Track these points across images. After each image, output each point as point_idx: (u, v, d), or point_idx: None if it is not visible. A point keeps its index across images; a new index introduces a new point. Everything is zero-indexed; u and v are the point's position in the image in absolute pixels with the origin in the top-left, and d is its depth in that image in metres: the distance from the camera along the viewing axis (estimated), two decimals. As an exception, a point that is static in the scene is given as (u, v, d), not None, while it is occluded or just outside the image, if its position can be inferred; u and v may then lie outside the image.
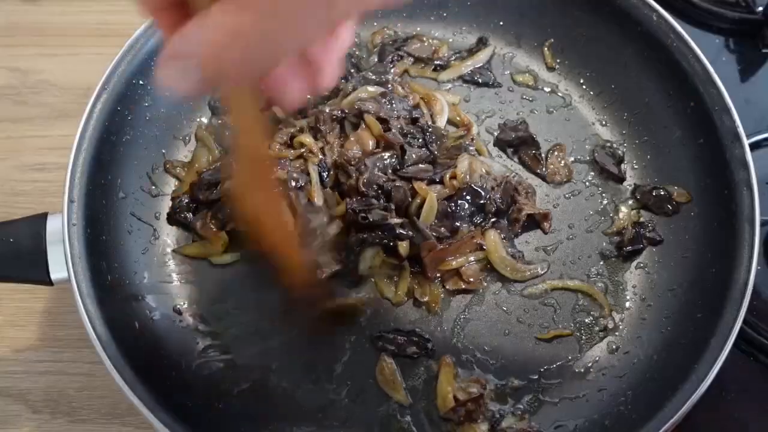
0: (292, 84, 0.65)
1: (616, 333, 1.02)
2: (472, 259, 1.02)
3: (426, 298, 1.02)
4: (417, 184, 1.03)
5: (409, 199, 1.02)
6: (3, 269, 0.95)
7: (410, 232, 1.00)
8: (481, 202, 1.04)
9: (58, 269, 0.94)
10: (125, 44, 1.07)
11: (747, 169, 0.99)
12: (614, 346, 1.01)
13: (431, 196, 1.01)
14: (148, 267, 1.05)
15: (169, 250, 1.07)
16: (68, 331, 1.12)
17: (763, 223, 0.98)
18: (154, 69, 0.59)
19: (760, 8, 1.31)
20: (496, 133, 1.15)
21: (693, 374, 0.90)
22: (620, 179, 1.11)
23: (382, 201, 1.01)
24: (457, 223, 1.03)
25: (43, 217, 0.96)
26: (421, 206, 1.02)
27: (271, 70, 0.62)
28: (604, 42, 1.16)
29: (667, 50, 1.10)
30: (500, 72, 1.21)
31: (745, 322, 0.93)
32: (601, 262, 1.06)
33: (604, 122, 1.17)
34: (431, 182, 1.05)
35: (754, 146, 1.11)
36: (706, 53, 1.07)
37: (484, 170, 1.06)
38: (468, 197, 1.04)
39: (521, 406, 0.96)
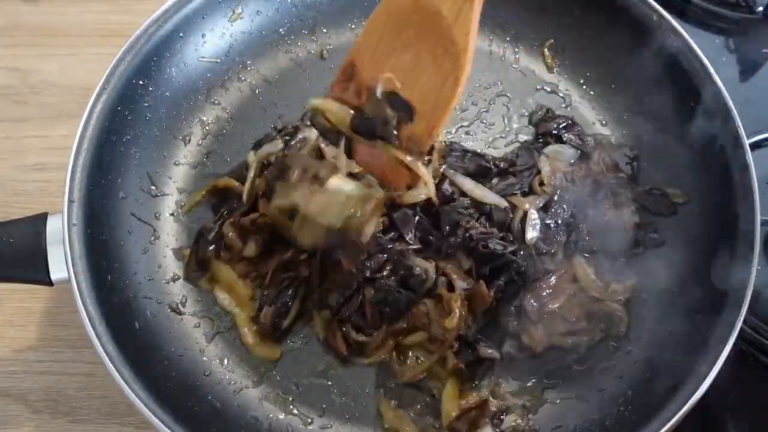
0: None
1: (617, 333, 1.02)
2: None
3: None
4: (514, 199, 1.03)
5: (510, 216, 1.02)
6: (3, 269, 0.95)
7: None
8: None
9: (58, 269, 0.94)
10: (125, 44, 1.07)
11: (747, 169, 0.99)
12: (614, 346, 1.01)
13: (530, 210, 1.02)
14: (148, 267, 1.05)
15: (168, 250, 1.07)
16: (68, 331, 1.12)
17: (763, 223, 0.98)
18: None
19: (760, 8, 1.31)
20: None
21: (693, 374, 0.90)
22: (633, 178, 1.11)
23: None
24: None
25: (43, 217, 0.96)
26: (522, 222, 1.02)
27: None
28: (604, 42, 1.17)
29: (667, 50, 1.10)
30: (500, 72, 1.21)
31: (745, 322, 0.93)
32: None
33: (604, 122, 1.17)
34: (524, 194, 1.06)
35: (754, 146, 1.11)
36: (706, 53, 1.07)
37: (562, 166, 1.07)
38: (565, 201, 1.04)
39: (522, 404, 0.97)
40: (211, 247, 1.04)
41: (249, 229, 1.02)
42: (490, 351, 0.97)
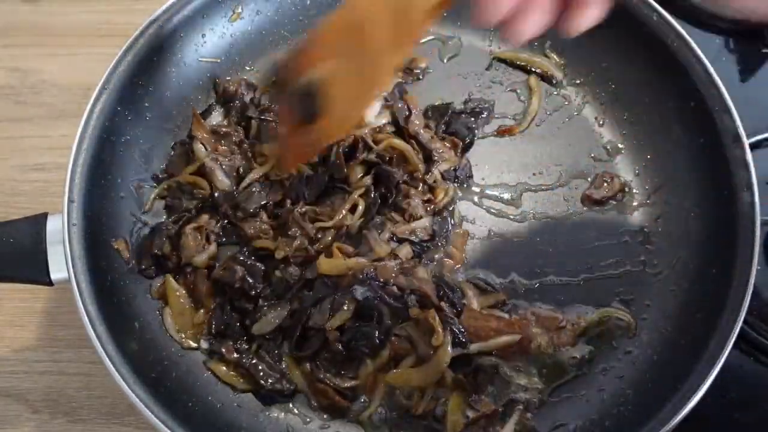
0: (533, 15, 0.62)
1: (616, 333, 1.02)
2: None
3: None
4: None
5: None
6: (3, 269, 0.95)
7: None
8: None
9: (58, 269, 0.94)
10: (125, 44, 1.07)
11: (747, 169, 0.99)
12: (614, 346, 1.01)
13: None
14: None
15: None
16: (68, 331, 1.12)
17: (763, 223, 0.98)
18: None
19: (760, 8, 1.31)
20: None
21: (693, 374, 0.90)
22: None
23: None
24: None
25: (43, 217, 0.96)
26: None
27: None
28: (604, 42, 1.16)
29: (667, 50, 1.10)
30: (500, 72, 1.21)
31: (745, 322, 0.93)
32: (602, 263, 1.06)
33: (601, 123, 1.17)
34: None
35: (754, 146, 1.11)
36: (706, 53, 1.07)
37: None
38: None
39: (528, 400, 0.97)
40: (165, 242, 1.03)
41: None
42: (488, 359, 0.96)
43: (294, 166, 1.03)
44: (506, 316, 0.99)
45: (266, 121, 1.11)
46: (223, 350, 0.98)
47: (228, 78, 1.17)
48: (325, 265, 0.98)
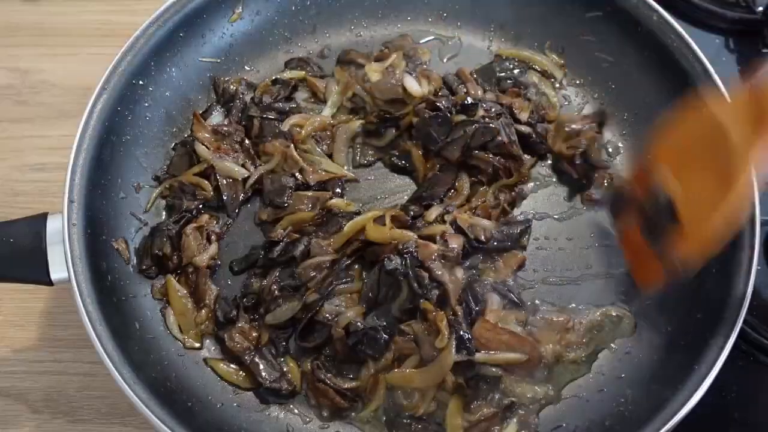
0: None
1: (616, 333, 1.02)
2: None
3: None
4: None
5: None
6: (3, 269, 0.95)
7: None
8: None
9: (58, 269, 0.94)
10: (125, 44, 1.07)
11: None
12: (614, 347, 1.01)
13: None
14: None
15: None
16: (68, 331, 1.12)
17: (763, 223, 0.98)
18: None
19: (760, 8, 1.31)
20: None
21: (693, 374, 0.90)
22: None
23: None
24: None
25: (43, 217, 0.96)
26: None
27: None
28: (604, 42, 1.16)
29: (667, 50, 1.10)
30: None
31: (745, 322, 0.93)
32: (602, 263, 1.06)
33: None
34: None
35: (754, 146, 1.11)
36: (706, 53, 1.07)
37: None
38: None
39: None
40: (167, 243, 1.03)
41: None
42: (493, 369, 0.95)
43: (656, 282, 0.98)
44: (519, 330, 0.98)
45: (268, 119, 1.11)
46: (226, 337, 0.98)
47: (227, 78, 1.17)
48: (371, 231, 0.98)
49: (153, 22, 1.09)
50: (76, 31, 1.38)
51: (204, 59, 1.17)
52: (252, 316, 1.01)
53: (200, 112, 1.14)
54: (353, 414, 0.97)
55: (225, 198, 1.07)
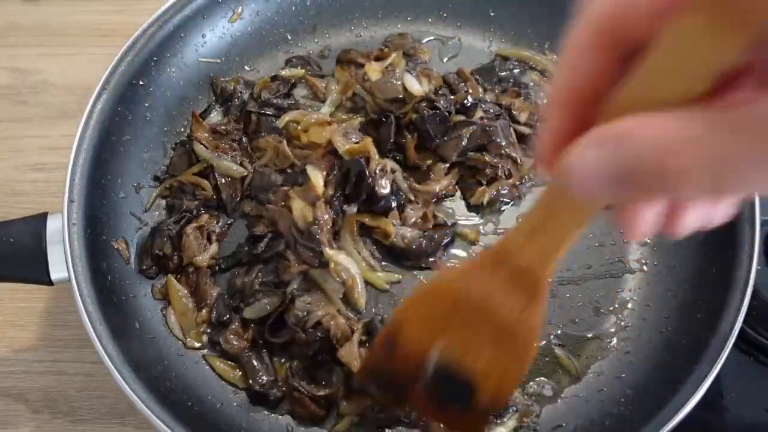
0: (647, 216, 0.56)
1: (617, 333, 1.02)
2: None
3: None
4: None
5: None
6: (3, 269, 0.95)
7: None
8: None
9: (58, 269, 0.94)
10: (125, 44, 1.07)
11: (747, 169, 0.99)
12: (614, 347, 1.01)
13: None
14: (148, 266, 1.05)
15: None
16: (68, 331, 1.12)
17: (763, 223, 0.98)
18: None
19: (760, 8, 1.31)
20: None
21: (693, 374, 0.90)
22: None
23: None
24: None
25: (43, 217, 0.96)
26: None
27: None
28: (604, 42, 1.16)
29: (667, 50, 1.09)
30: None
31: (745, 322, 0.93)
32: (602, 263, 1.06)
33: (604, 122, 1.17)
34: None
35: (754, 146, 1.11)
36: (706, 53, 1.07)
37: None
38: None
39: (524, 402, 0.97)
40: (167, 243, 1.03)
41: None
42: None
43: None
44: None
45: (266, 115, 1.12)
46: (221, 340, 0.98)
47: (225, 78, 1.17)
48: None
49: (153, 22, 1.09)
50: (76, 31, 1.38)
51: (204, 59, 1.17)
52: (242, 316, 1.01)
53: (199, 112, 1.14)
54: (329, 426, 0.96)
55: (224, 197, 1.07)
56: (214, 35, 1.17)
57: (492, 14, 1.23)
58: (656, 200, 0.54)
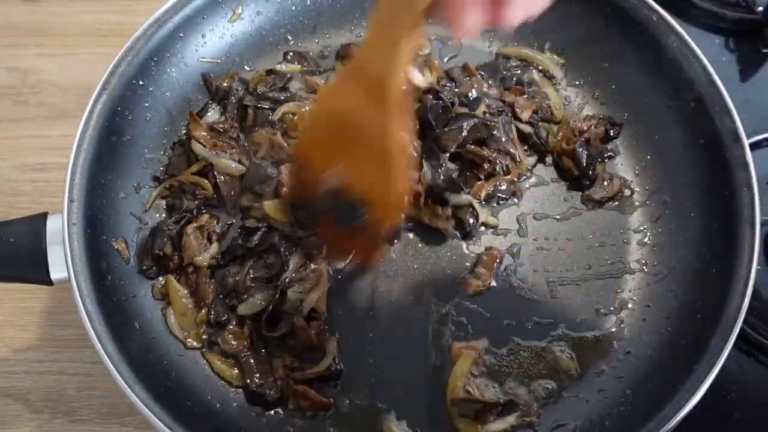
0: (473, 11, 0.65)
1: (617, 333, 1.02)
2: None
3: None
4: None
5: None
6: (3, 269, 0.95)
7: None
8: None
9: (58, 269, 0.94)
10: (125, 44, 1.07)
11: (747, 169, 0.99)
12: (614, 347, 1.01)
13: None
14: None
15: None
16: (68, 331, 1.12)
17: (763, 223, 0.98)
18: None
19: (760, 8, 1.31)
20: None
21: (693, 374, 0.90)
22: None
23: None
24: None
25: (43, 217, 0.96)
26: None
27: None
28: (604, 42, 1.16)
29: (667, 50, 1.10)
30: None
31: (745, 322, 0.93)
32: (602, 263, 1.06)
33: (604, 122, 1.17)
34: None
35: (754, 146, 1.11)
36: (706, 53, 1.07)
37: None
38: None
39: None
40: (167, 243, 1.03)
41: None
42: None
43: (378, 254, 1.00)
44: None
45: (262, 108, 1.12)
46: (219, 341, 0.98)
47: (220, 76, 1.17)
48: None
49: (153, 22, 1.09)
50: (76, 31, 1.38)
51: (204, 59, 1.17)
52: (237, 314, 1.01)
53: (197, 111, 1.14)
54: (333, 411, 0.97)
55: (224, 195, 1.07)
56: (214, 35, 1.17)
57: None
58: None
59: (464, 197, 1.07)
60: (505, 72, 1.18)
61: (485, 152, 1.08)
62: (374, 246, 0.97)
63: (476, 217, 1.06)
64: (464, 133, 1.07)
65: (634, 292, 1.04)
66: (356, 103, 0.78)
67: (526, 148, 1.14)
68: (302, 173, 0.88)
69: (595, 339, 1.01)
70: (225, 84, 1.15)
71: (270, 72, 1.17)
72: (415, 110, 1.09)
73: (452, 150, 1.08)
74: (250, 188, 1.07)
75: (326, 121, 0.82)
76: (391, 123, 0.79)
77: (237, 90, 1.14)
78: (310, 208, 0.93)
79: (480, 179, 1.09)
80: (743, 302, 0.92)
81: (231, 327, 1.00)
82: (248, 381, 0.97)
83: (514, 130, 1.11)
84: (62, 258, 0.93)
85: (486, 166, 1.08)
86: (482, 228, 1.08)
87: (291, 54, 1.20)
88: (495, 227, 1.08)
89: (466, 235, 1.07)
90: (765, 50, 1.32)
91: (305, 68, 1.19)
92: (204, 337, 1.01)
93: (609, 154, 1.13)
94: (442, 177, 1.06)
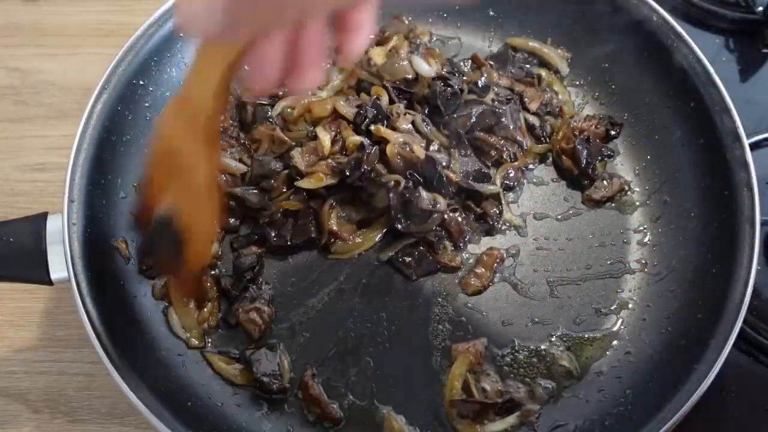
0: (273, 63, 0.67)
1: (617, 333, 1.02)
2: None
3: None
4: None
5: None
6: (3, 269, 0.95)
7: None
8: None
9: (58, 269, 0.94)
10: (125, 44, 1.07)
11: (747, 169, 0.99)
12: (614, 347, 1.01)
13: None
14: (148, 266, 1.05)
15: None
16: (68, 331, 1.12)
17: (763, 223, 0.98)
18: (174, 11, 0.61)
19: (760, 8, 1.31)
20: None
21: (693, 374, 0.90)
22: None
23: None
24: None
25: (43, 217, 0.96)
26: None
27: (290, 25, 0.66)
28: (604, 42, 1.16)
29: (667, 50, 1.10)
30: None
31: (745, 322, 0.93)
32: (602, 263, 1.06)
33: (604, 122, 1.17)
34: None
35: (754, 146, 1.11)
36: (706, 53, 1.07)
37: None
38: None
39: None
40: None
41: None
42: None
43: (189, 295, 1.01)
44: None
45: (261, 105, 1.12)
46: (240, 311, 0.99)
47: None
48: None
49: (153, 22, 1.09)
50: (76, 31, 1.38)
51: (204, 59, 1.16)
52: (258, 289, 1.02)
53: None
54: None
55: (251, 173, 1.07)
56: (214, 35, 1.17)
57: (492, 14, 1.23)
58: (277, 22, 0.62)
59: (492, 187, 1.07)
60: (514, 63, 1.19)
61: (492, 139, 1.08)
62: (183, 283, 0.98)
63: (501, 210, 1.07)
64: (473, 119, 1.08)
65: (634, 292, 1.04)
66: (176, 131, 0.81)
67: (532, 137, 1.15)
68: (145, 195, 0.89)
69: (595, 339, 1.01)
70: None
71: None
72: (424, 96, 1.10)
73: (460, 135, 1.08)
74: (257, 183, 1.07)
75: (159, 145, 0.84)
76: (201, 156, 0.81)
77: (234, 87, 1.14)
78: (145, 231, 0.95)
79: (487, 167, 1.09)
80: (743, 302, 0.92)
81: (255, 305, 1.00)
82: (254, 375, 0.96)
83: (522, 118, 1.12)
84: (62, 258, 0.93)
85: (493, 153, 1.09)
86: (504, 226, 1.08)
87: None
88: (518, 227, 1.08)
89: (490, 230, 1.07)
90: (765, 50, 1.32)
91: None
92: (209, 339, 1.01)
93: (609, 153, 1.13)
94: (471, 168, 1.07)
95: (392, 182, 1.01)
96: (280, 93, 1.13)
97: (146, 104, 1.10)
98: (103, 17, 1.39)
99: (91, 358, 1.06)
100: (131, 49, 1.07)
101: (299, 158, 1.05)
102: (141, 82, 1.08)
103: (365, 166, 1.01)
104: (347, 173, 1.02)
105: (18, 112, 1.30)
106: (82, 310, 0.91)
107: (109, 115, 1.03)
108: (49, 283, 0.94)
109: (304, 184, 1.03)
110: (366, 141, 1.03)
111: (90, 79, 1.06)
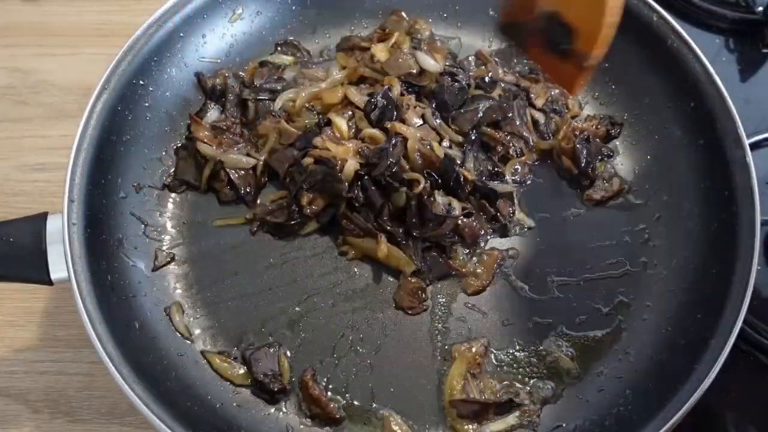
0: None
1: (617, 333, 1.02)
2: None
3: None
4: None
5: None
6: (3, 269, 0.95)
7: None
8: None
9: (58, 269, 0.94)
10: (125, 44, 1.07)
11: (747, 169, 0.99)
12: (614, 347, 1.01)
13: None
14: (148, 266, 1.05)
15: (165, 248, 1.07)
16: (68, 331, 1.12)
17: (763, 223, 0.98)
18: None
19: (760, 8, 1.31)
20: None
21: (693, 374, 0.90)
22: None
23: None
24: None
25: (43, 217, 0.96)
26: None
27: None
28: (604, 42, 1.17)
29: (667, 50, 1.10)
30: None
31: (745, 322, 0.93)
32: (602, 263, 1.06)
33: (604, 122, 1.17)
34: None
35: (754, 146, 1.12)
36: (706, 53, 1.07)
37: None
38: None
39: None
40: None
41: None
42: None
43: (581, 85, 1.04)
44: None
45: (262, 100, 1.12)
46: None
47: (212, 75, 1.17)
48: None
49: (153, 22, 1.09)
50: (76, 31, 1.38)
51: (204, 59, 1.17)
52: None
53: (194, 112, 1.14)
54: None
55: (242, 192, 1.07)
56: (214, 35, 1.17)
57: (492, 14, 1.23)
58: None
59: (506, 186, 1.07)
60: (517, 60, 1.20)
61: (498, 135, 1.09)
62: (577, 74, 0.99)
63: (513, 210, 1.07)
64: (480, 114, 1.08)
65: (634, 292, 1.04)
66: None
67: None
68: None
69: (595, 339, 1.01)
70: (218, 81, 1.15)
71: (263, 64, 1.17)
72: (432, 90, 1.10)
73: (467, 130, 1.08)
74: (290, 180, 1.06)
75: None
76: None
77: (233, 86, 1.14)
78: (522, 28, 1.00)
79: (497, 164, 1.10)
80: (743, 302, 0.92)
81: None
82: (254, 375, 0.97)
83: (528, 114, 1.12)
84: (62, 258, 0.93)
85: (499, 149, 1.09)
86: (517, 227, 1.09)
87: (282, 44, 1.20)
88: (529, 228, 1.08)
89: (502, 229, 1.07)
90: (765, 50, 1.32)
91: (298, 59, 1.19)
92: (206, 336, 1.01)
93: (609, 153, 1.13)
94: (483, 166, 1.07)
95: (414, 181, 1.01)
96: (279, 87, 1.13)
97: (146, 104, 1.10)
98: (103, 17, 1.39)
99: (91, 358, 1.06)
100: (131, 49, 1.07)
101: (323, 140, 1.04)
102: (141, 82, 1.08)
103: (391, 159, 1.00)
104: (376, 161, 1.01)
105: (18, 112, 1.30)
106: (82, 310, 0.91)
107: (109, 115, 1.03)
108: (49, 283, 0.94)
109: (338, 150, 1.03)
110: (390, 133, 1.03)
111: (90, 79, 1.06)
